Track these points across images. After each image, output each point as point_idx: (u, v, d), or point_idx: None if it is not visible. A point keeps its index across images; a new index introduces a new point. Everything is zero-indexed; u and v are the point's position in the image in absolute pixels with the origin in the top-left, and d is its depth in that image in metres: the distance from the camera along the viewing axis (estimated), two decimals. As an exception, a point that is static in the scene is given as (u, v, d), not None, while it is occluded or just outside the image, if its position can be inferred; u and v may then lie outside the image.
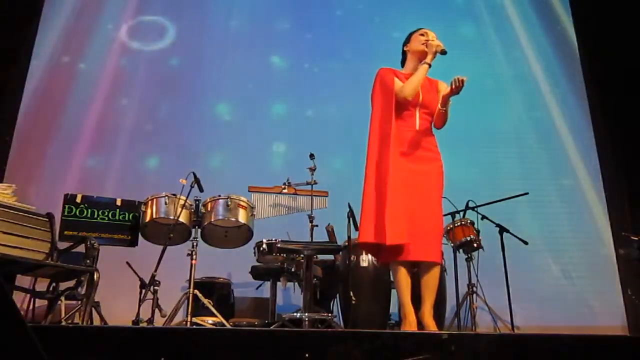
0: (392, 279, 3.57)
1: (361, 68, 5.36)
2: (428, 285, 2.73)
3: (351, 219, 3.58)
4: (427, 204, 2.70)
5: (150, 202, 3.61)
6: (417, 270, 2.91)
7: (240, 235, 3.81)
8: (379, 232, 2.64)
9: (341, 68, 5.62)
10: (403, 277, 2.72)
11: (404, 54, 3.00)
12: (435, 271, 2.75)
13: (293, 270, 3.80)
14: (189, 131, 5.30)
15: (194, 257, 3.50)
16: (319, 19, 5.95)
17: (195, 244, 3.55)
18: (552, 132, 5.60)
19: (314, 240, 3.82)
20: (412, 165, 2.73)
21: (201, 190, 3.59)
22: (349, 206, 3.60)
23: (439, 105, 2.84)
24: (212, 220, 3.63)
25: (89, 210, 3.57)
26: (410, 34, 2.98)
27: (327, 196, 4.11)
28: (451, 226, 3.86)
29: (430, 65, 2.80)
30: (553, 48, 5.98)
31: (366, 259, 3.59)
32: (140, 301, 3.31)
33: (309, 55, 5.74)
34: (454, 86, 2.71)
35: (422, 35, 2.92)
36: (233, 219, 3.65)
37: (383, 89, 2.83)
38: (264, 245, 3.73)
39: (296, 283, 4.18)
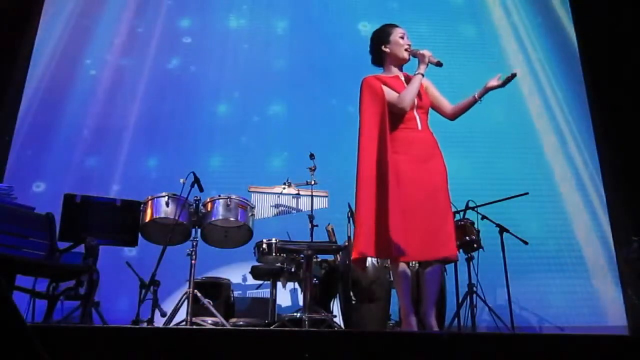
0: (391, 278, 3.58)
1: (361, 67, 5.38)
2: (429, 284, 2.72)
3: (351, 219, 3.58)
4: (435, 203, 2.69)
5: (150, 202, 3.61)
6: (418, 270, 2.90)
7: (240, 235, 3.81)
8: (368, 244, 2.60)
9: (341, 67, 5.62)
10: (403, 276, 2.71)
11: (381, 52, 2.93)
12: (437, 271, 2.74)
13: (293, 270, 3.80)
14: (189, 131, 5.31)
15: (194, 257, 3.49)
16: (318, 17, 5.95)
17: (195, 244, 3.55)
18: (552, 132, 5.60)
19: (314, 240, 3.81)
20: (418, 166, 2.71)
21: (201, 190, 3.59)
22: (349, 206, 3.60)
23: (476, 96, 2.82)
24: (212, 220, 3.63)
25: (89, 210, 3.57)
26: (388, 32, 2.91)
27: (327, 196, 4.11)
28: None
29: (423, 75, 2.80)
30: (553, 48, 5.98)
31: (366, 259, 3.58)
32: (140, 301, 3.31)
33: (309, 55, 5.74)
34: (507, 80, 2.76)
35: (402, 38, 2.89)
36: (233, 219, 3.65)
37: (374, 98, 2.80)
38: (264, 245, 3.74)
39: (296, 283, 4.19)
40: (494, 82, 2.81)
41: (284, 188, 4.07)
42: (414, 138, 2.77)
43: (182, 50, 5.69)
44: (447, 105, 2.93)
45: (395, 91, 2.78)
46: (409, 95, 2.75)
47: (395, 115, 2.77)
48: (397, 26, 2.94)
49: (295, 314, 3.49)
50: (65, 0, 5.83)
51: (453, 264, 3.71)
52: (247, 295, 4.51)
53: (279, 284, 4.01)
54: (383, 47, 2.91)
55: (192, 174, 3.54)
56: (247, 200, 3.79)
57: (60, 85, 5.42)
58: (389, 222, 2.56)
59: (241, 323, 3.85)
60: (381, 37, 2.93)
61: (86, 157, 5.14)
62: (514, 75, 2.75)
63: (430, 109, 2.92)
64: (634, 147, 5.04)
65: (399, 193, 2.63)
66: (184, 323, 3.37)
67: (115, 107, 5.37)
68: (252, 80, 5.57)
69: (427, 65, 2.80)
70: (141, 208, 3.61)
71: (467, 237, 3.82)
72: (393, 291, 3.57)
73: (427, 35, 5.71)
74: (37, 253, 2.76)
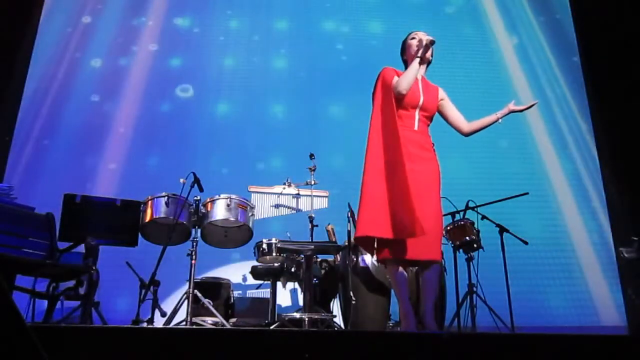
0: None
1: (361, 68, 5.38)
2: (428, 284, 2.72)
3: (351, 219, 3.57)
4: (426, 203, 2.69)
5: (150, 202, 3.61)
6: (416, 270, 2.89)
7: (240, 235, 3.81)
8: (381, 226, 2.62)
9: (341, 68, 5.62)
10: (400, 277, 2.71)
11: (405, 63, 2.99)
12: (435, 270, 2.74)
13: (293, 270, 3.80)
14: (189, 131, 5.31)
15: (194, 257, 3.49)
16: (319, 19, 5.95)
17: (195, 244, 3.55)
18: (552, 132, 5.60)
19: (314, 240, 3.81)
20: (410, 165, 2.72)
21: (201, 190, 3.58)
22: (349, 206, 3.60)
23: (499, 116, 2.89)
24: (212, 220, 3.63)
25: (89, 210, 3.56)
26: (404, 43, 2.98)
27: (327, 196, 4.11)
28: (451, 226, 3.86)
29: (421, 59, 2.80)
30: (553, 48, 5.98)
31: (366, 259, 3.59)
32: (140, 301, 3.31)
33: (309, 55, 5.74)
34: (528, 107, 2.90)
35: (413, 39, 2.92)
36: (233, 219, 3.65)
37: (383, 87, 2.84)
38: (264, 245, 3.73)
39: (296, 283, 4.18)
40: (515, 107, 2.91)
41: (284, 188, 4.07)
42: (407, 137, 2.77)
43: (182, 49, 5.69)
44: (463, 121, 2.96)
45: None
46: (404, 78, 2.77)
47: (397, 110, 2.78)
48: (411, 33, 2.98)
49: (295, 314, 3.49)
50: (65, 1, 5.83)
51: (453, 264, 3.72)
52: (247, 295, 4.51)
53: (279, 284, 4.00)
54: (403, 58, 2.99)
55: (192, 174, 3.54)
56: (247, 200, 3.79)
57: (60, 85, 5.42)
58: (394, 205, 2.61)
59: (241, 323, 3.85)
60: (401, 48, 3.01)
61: (86, 157, 5.14)
62: (534, 104, 2.94)
63: (435, 116, 2.95)
64: (634, 148, 5.04)
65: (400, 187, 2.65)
66: (184, 323, 3.37)
67: (115, 107, 5.37)
68: (252, 80, 5.57)
69: (427, 48, 2.81)
70: (141, 208, 3.60)
71: (467, 237, 3.80)
72: (393, 291, 3.57)
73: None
74: (37, 253, 2.75)
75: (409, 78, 2.76)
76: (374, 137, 2.79)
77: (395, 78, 2.82)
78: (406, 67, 2.97)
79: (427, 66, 2.96)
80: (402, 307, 2.69)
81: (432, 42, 2.80)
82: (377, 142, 2.76)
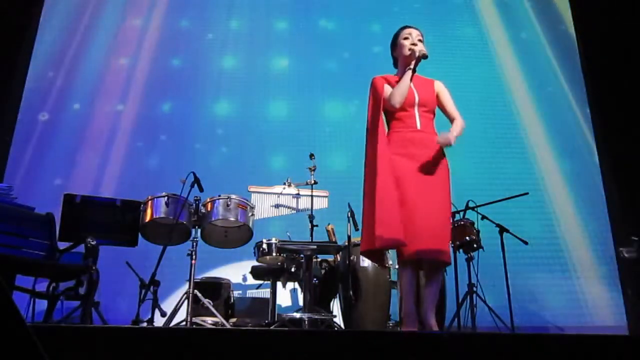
0: (391, 278, 3.59)
1: (361, 67, 5.38)
2: (431, 285, 2.72)
3: (351, 219, 3.58)
4: (434, 204, 2.68)
5: (149, 202, 3.61)
6: (419, 270, 2.88)
7: (240, 235, 3.81)
8: (375, 238, 2.63)
9: (342, 67, 5.63)
10: (409, 277, 2.70)
11: (394, 60, 2.97)
12: (440, 272, 2.74)
13: (293, 270, 3.80)
14: (189, 131, 5.31)
15: (194, 257, 3.49)
16: (319, 19, 5.95)
17: (195, 244, 3.55)
18: (552, 132, 5.60)
19: (314, 240, 3.81)
20: (417, 166, 2.71)
21: (201, 190, 3.58)
22: (349, 206, 3.60)
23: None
24: (212, 220, 3.63)
25: (89, 210, 3.56)
26: (396, 38, 2.93)
27: (327, 196, 4.11)
28: (451, 226, 3.85)
29: (414, 70, 2.79)
30: (553, 48, 5.98)
31: (366, 259, 3.59)
32: (140, 301, 3.31)
33: (309, 56, 5.74)
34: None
35: (406, 38, 2.88)
36: (233, 219, 3.65)
37: (374, 97, 2.83)
38: (264, 245, 3.74)
39: (296, 283, 4.19)
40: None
41: (284, 188, 4.07)
42: (410, 138, 2.75)
43: (182, 49, 5.69)
44: (450, 118, 2.91)
45: None
46: (397, 91, 2.75)
47: (393, 116, 2.78)
48: (405, 27, 2.94)
49: (295, 314, 3.49)
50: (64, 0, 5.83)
51: (453, 264, 3.72)
52: (247, 295, 4.51)
53: (279, 284, 4.01)
54: (393, 54, 2.95)
55: (192, 174, 3.54)
56: (247, 200, 3.79)
57: (60, 84, 5.42)
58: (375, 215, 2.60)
59: (241, 323, 3.85)
60: (392, 42, 2.96)
61: (86, 157, 5.14)
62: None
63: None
64: (634, 147, 5.04)
65: (397, 193, 2.63)
66: (184, 323, 3.37)
67: (115, 107, 5.37)
68: (252, 80, 5.57)
69: (419, 60, 2.80)
70: (141, 208, 3.60)
71: (467, 237, 3.81)
72: (393, 291, 3.57)
73: (428, 34, 5.70)
74: (37, 253, 2.76)
75: (402, 91, 2.74)
76: (366, 148, 2.79)
77: (386, 87, 2.81)
78: (395, 64, 2.96)
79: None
80: (405, 306, 2.69)
81: (424, 57, 2.79)
82: (368, 153, 2.77)
